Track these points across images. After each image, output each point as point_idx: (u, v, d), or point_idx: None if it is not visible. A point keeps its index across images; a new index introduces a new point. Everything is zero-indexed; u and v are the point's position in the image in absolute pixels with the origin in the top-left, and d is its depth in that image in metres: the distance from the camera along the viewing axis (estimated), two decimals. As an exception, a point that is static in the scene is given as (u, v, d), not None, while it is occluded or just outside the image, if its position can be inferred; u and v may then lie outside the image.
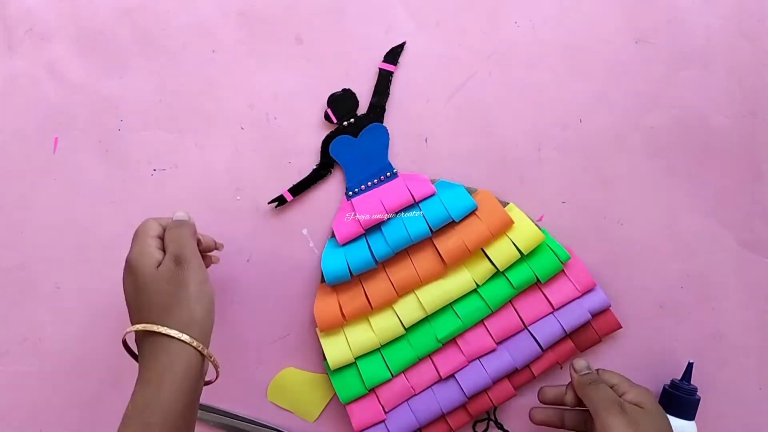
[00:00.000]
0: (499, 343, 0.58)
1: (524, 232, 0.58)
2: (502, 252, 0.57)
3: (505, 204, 0.60)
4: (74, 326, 0.61)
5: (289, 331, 0.61)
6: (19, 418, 0.61)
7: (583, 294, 0.58)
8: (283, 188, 0.60)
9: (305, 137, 0.61)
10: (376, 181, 0.60)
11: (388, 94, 0.60)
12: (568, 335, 0.59)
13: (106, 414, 0.60)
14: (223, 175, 0.61)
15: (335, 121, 0.60)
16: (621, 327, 0.59)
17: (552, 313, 0.58)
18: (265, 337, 0.61)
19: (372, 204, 0.58)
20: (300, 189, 0.60)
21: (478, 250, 0.58)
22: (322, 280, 0.59)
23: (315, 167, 0.60)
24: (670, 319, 0.60)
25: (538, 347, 0.58)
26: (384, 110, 0.60)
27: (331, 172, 0.60)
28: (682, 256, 0.60)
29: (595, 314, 0.59)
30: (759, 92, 0.60)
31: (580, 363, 0.53)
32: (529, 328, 0.58)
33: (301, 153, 0.61)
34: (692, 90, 0.60)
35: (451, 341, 0.58)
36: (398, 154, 0.61)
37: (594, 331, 0.59)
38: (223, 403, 0.61)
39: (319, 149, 0.60)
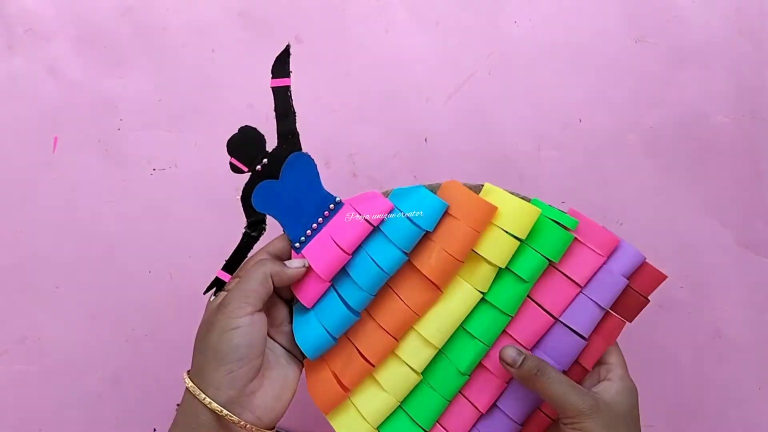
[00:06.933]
0: (533, 349, 0.48)
1: (514, 213, 0.47)
2: (496, 246, 0.46)
3: (479, 188, 0.48)
4: (74, 325, 0.61)
5: (290, 331, 0.61)
6: (19, 417, 0.61)
7: (608, 257, 0.48)
8: None
9: (304, 137, 0.61)
10: (320, 220, 0.48)
11: (294, 113, 0.48)
12: (608, 310, 0.48)
13: (106, 414, 0.61)
14: (223, 174, 0.60)
15: (246, 169, 0.48)
16: (666, 277, 0.48)
17: (581, 292, 0.48)
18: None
19: (325, 248, 0.47)
20: (235, 263, 0.49)
21: (469, 254, 0.47)
22: (305, 356, 0.48)
23: (244, 230, 0.49)
24: (670, 319, 0.60)
25: (579, 338, 0.47)
26: (297, 135, 0.48)
27: (264, 228, 0.49)
28: (681, 256, 0.61)
29: (631, 275, 0.48)
30: (758, 92, 0.60)
31: (508, 352, 0.45)
32: (560, 319, 0.48)
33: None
34: (692, 89, 0.60)
35: (478, 367, 0.48)
36: (398, 154, 0.60)
37: (636, 293, 0.48)
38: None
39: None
